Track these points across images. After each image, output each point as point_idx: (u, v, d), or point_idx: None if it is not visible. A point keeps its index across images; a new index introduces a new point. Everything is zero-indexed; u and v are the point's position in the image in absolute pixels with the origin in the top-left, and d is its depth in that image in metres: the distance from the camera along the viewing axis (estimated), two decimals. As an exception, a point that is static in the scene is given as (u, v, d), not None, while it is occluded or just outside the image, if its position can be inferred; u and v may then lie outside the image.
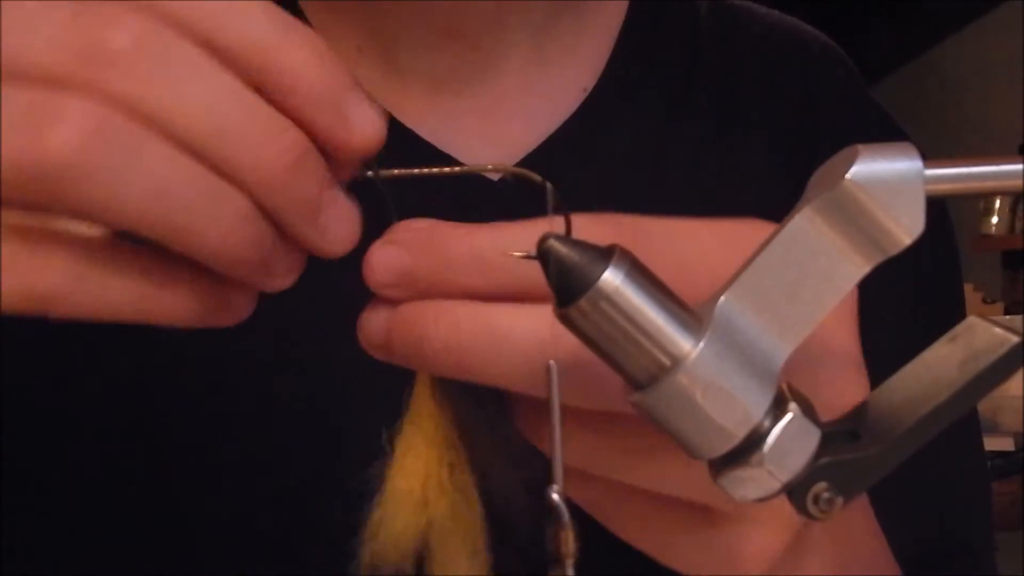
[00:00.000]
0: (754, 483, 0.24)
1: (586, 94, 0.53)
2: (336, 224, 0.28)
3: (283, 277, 0.28)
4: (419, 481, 0.36)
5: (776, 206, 0.53)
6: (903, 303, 0.53)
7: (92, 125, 0.24)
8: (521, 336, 0.28)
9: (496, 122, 0.52)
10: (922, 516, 0.51)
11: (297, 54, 0.26)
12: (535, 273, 0.28)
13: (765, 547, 0.32)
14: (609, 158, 0.52)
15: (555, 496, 0.25)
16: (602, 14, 0.55)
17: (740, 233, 0.31)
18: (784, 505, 0.31)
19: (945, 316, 0.57)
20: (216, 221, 0.26)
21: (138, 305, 0.27)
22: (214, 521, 0.47)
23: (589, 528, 0.32)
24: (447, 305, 0.29)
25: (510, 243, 0.28)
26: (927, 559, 0.53)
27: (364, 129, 0.27)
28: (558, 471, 0.25)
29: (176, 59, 0.25)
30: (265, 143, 0.26)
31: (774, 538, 0.32)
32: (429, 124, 0.51)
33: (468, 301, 0.29)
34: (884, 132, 0.58)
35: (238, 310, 0.29)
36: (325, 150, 0.27)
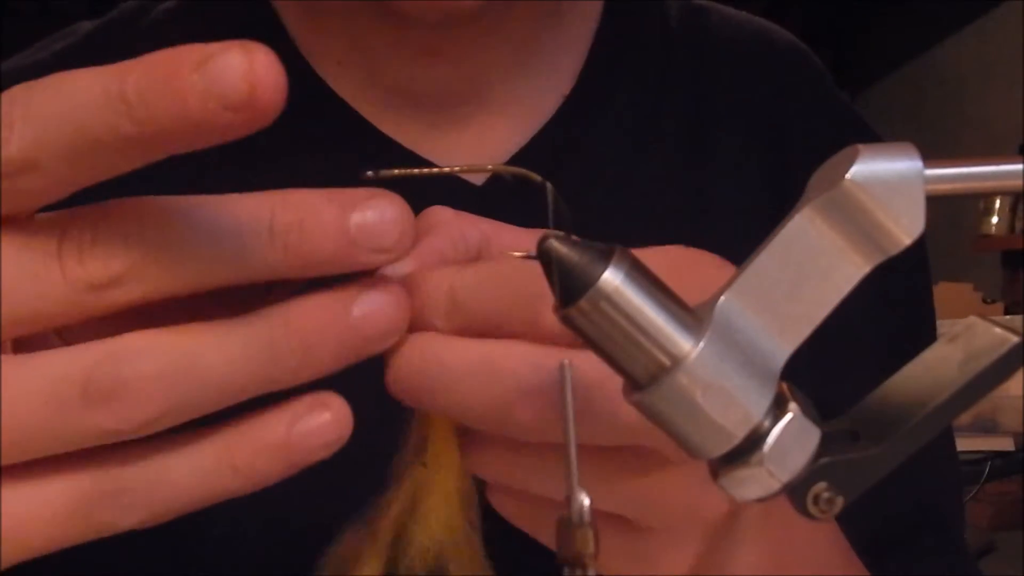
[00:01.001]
0: (754, 483, 0.24)
1: (564, 99, 0.53)
2: (381, 236, 0.27)
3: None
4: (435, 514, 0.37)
5: (750, 203, 0.54)
6: (869, 305, 0.53)
7: (155, 391, 0.25)
8: (452, 365, 0.29)
9: (477, 130, 0.52)
10: (891, 490, 0.52)
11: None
12: (499, 310, 0.29)
13: (681, 556, 0.33)
14: (587, 160, 0.53)
15: (582, 498, 0.25)
16: (579, 21, 0.55)
17: (695, 262, 0.31)
18: (700, 515, 0.32)
19: (913, 321, 0.58)
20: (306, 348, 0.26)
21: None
22: (211, 553, 0.47)
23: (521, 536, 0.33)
24: (404, 337, 0.29)
25: (482, 280, 0.29)
26: (897, 532, 0.53)
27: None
28: (573, 473, 0.25)
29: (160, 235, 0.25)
30: (266, 243, 0.26)
31: (688, 547, 0.33)
32: (410, 134, 0.51)
33: (420, 333, 0.29)
34: (854, 130, 0.59)
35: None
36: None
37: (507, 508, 0.34)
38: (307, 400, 0.27)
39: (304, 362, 0.26)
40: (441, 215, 0.32)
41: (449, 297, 0.29)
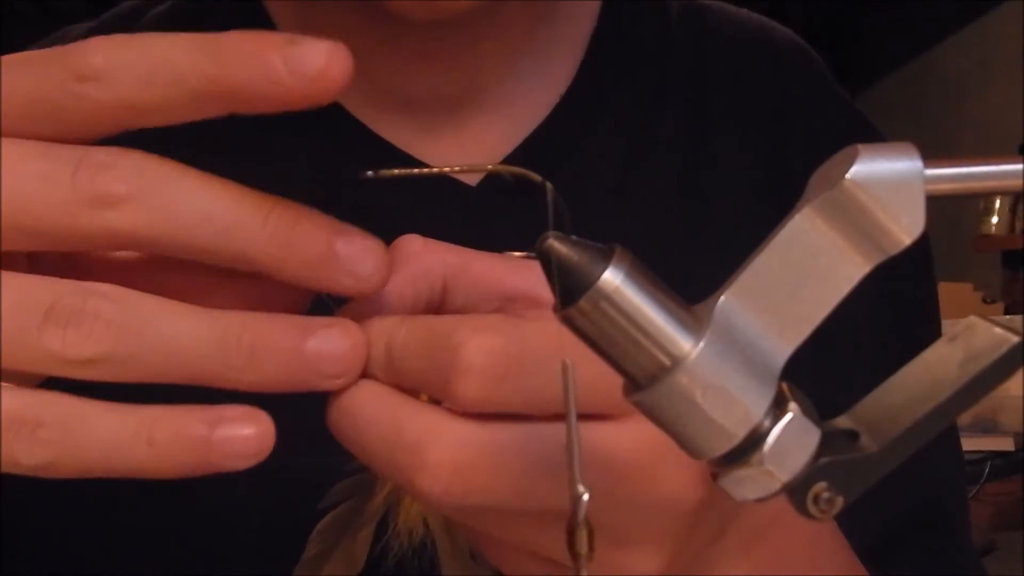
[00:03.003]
0: (754, 483, 0.24)
1: (560, 100, 0.53)
2: (359, 264, 0.28)
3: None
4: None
5: (750, 202, 0.54)
6: (871, 305, 0.53)
7: (106, 332, 0.26)
8: (365, 424, 0.29)
9: (472, 133, 0.52)
10: (895, 490, 0.52)
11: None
12: (420, 373, 0.29)
13: None
14: (583, 161, 0.52)
15: (579, 498, 0.25)
16: (575, 21, 0.55)
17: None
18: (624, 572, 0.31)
19: (915, 320, 0.58)
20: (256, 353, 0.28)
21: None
22: (202, 526, 0.47)
23: None
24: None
25: (410, 342, 0.29)
26: (901, 532, 0.53)
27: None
28: (576, 472, 0.25)
29: (165, 183, 0.27)
30: (260, 222, 0.27)
31: None
32: (404, 136, 0.51)
33: (358, 381, 0.30)
34: (856, 128, 0.58)
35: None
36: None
37: (456, 525, 0.34)
38: (238, 410, 0.28)
39: (247, 366, 0.27)
40: (409, 246, 0.32)
41: (386, 351, 0.30)
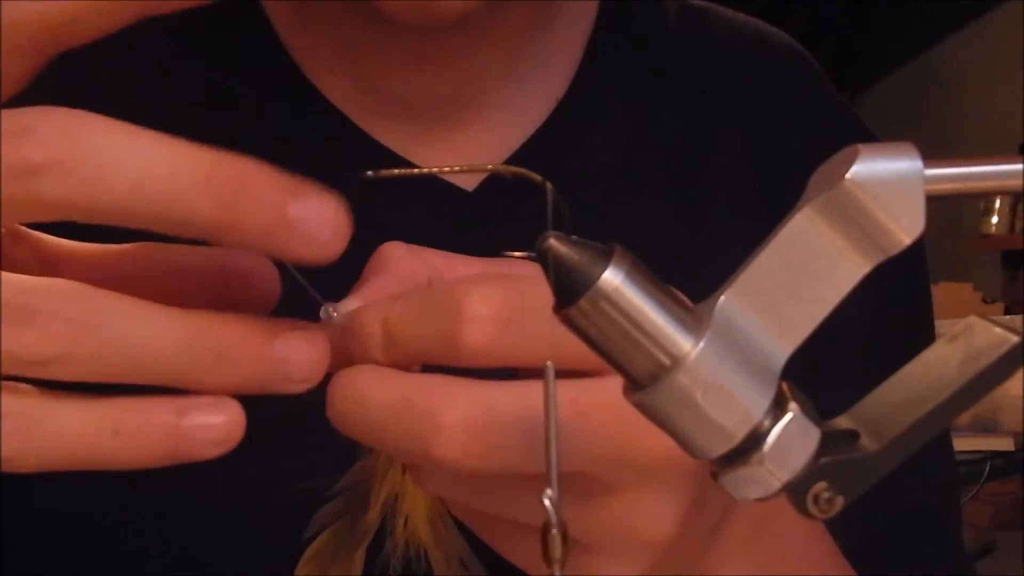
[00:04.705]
0: (754, 483, 0.24)
1: (557, 103, 0.53)
2: (314, 230, 0.25)
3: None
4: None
5: (747, 205, 0.54)
6: (869, 305, 0.53)
7: (65, 331, 0.25)
8: (372, 403, 0.29)
9: (469, 137, 0.52)
10: (889, 495, 0.52)
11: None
12: (424, 338, 0.29)
13: (623, 572, 0.32)
14: (580, 166, 0.52)
15: (546, 500, 0.25)
16: (573, 23, 0.55)
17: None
18: (637, 538, 0.31)
19: (913, 320, 0.58)
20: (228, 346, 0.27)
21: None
22: (194, 527, 0.47)
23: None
24: (341, 370, 0.30)
25: (408, 310, 0.29)
26: (895, 536, 0.53)
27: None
28: (553, 475, 0.25)
29: (93, 144, 0.25)
30: (202, 184, 0.25)
31: (632, 566, 0.32)
32: (401, 140, 0.51)
33: (353, 367, 0.30)
34: (850, 130, 0.59)
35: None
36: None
37: (462, 515, 0.34)
38: (207, 399, 0.27)
39: (214, 368, 0.27)
40: (393, 252, 0.32)
41: (384, 330, 0.29)
